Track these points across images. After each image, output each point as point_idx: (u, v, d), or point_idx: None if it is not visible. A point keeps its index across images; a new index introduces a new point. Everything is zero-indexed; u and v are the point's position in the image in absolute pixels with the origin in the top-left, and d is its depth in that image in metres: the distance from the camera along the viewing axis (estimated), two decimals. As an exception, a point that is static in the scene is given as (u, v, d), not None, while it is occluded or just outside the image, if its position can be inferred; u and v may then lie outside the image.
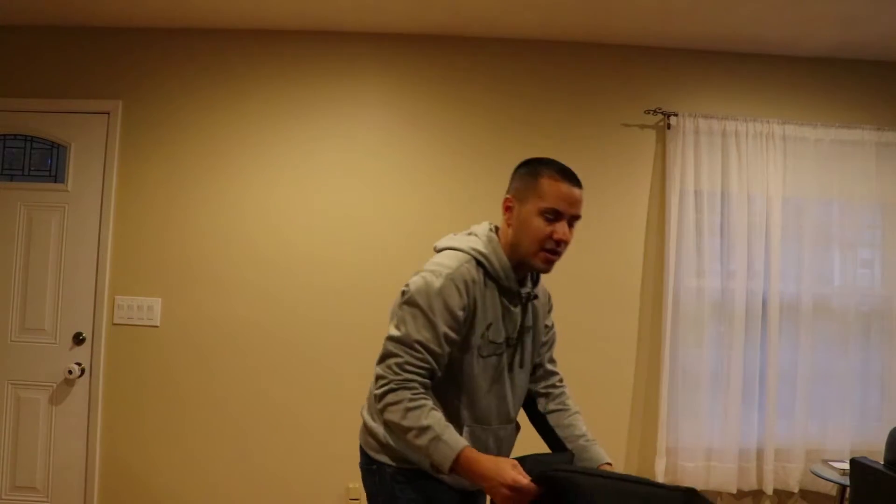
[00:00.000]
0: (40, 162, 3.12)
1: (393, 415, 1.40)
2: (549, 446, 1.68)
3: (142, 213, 3.09)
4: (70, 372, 2.97)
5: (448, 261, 1.50)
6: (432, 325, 1.42)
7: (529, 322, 1.62)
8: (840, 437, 3.06)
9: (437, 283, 1.45)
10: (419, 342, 1.42)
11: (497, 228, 1.60)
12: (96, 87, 3.12)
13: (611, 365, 3.11)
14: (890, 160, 3.16)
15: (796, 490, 3.03)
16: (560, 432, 1.68)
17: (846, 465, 2.77)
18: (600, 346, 3.11)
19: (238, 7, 2.93)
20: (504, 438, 1.61)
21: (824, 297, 3.13)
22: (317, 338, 3.07)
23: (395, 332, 1.45)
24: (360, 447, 1.63)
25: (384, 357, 1.44)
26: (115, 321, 3.06)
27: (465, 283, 1.47)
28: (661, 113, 3.14)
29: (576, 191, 1.51)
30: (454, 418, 1.49)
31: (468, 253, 1.53)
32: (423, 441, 1.37)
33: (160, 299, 3.07)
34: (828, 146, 3.13)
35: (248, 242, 3.09)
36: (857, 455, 2.70)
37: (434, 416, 1.38)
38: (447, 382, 1.50)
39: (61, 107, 3.10)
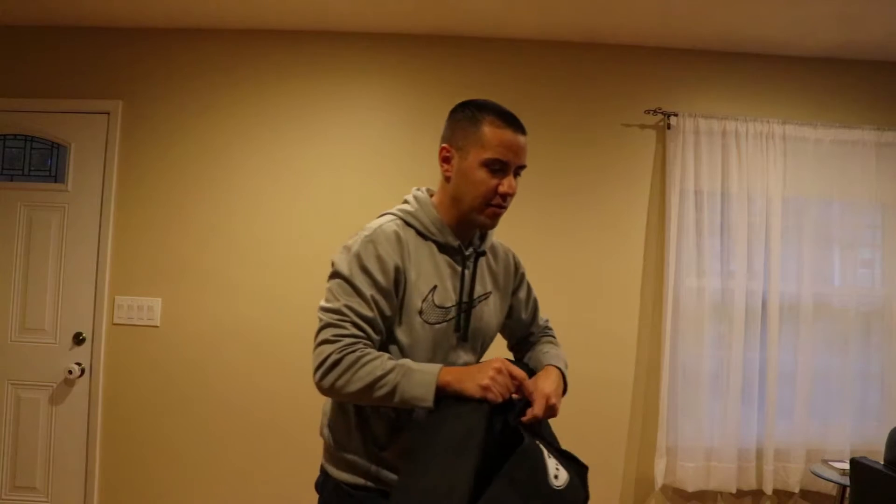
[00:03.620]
0: (40, 162, 3.12)
1: (346, 383, 1.22)
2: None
3: (142, 213, 3.10)
4: (70, 372, 2.97)
5: (369, 225, 1.38)
6: (357, 291, 1.28)
7: (488, 286, 1.47)
8: (840, 437, 3.06)
9: (354, 248, 1.32)
10: (348, 306, 1.27)
11: (430, 191, 1.48)
12: (96, 87, 3.13)
13: (611, 365, 3.11)
14: (890, 160, 3.16)
15: (796, 490, 3.03)
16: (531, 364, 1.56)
17: (846, 465, 2.77)
18: (600, 345, 3.11)
19: (238, 7, 2.93)
20: None
21: (824, 297, 3.13)
22: (317, 338, 3.07)
23: (324, 304, 1.31)
24: None
25: (318, 331, 1.29)
26: (115, 321, 3.06)
27: (388, 241, 1.33)
28: (661, 113, 3.14)
29: (521, 138, 1.37)
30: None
31: (392, 213, 1.42)
32: (390, 386, 1.21)
33: (160, 299, 3.07)
34: (828, 146, 3.13)
35: (249, 242, 3.09)
36: (857, 455, 2.70)
37: (394, 360, 1.24)
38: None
39: (61, 107, 3.10)
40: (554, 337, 1.66)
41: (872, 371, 3.11)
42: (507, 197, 1.36)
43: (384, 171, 3.14)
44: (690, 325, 3.05)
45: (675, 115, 3.10)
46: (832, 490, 3.04)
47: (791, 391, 3.07)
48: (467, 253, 1.42)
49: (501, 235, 3.27)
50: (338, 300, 1.29)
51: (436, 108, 3.16)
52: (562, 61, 3.19)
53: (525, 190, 3.14)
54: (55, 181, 3.11)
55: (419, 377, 1.21)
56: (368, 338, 1.28)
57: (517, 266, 1.59)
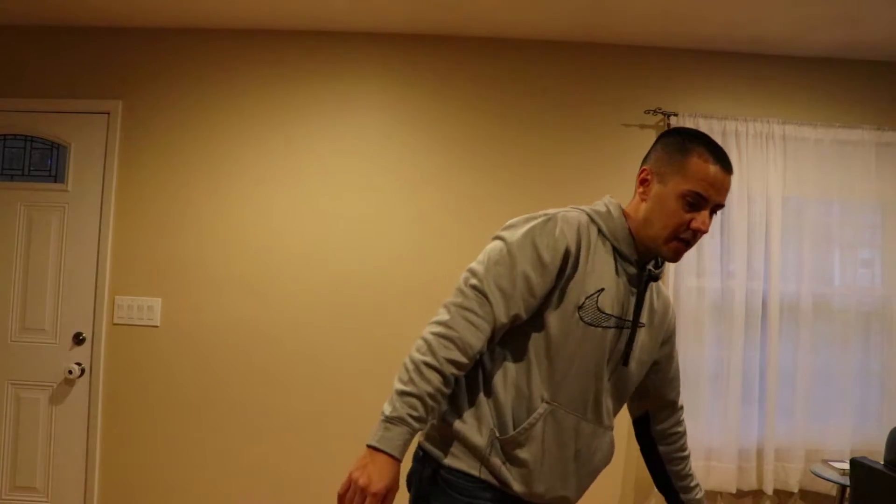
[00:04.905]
0: (40, 162, 3.12)
1: (416, 353, 1.21)
2: (658, 486, 1.58)
3: (142, 213, 3.10)
4: (70, 372, 2.97)
5: (561, 210, 1.34)
6: (511, 262, 1.25)
7: (645, 319, 1.39)
8: (840, 437, 3.06)
9: (532, 221, 1.29)
10: (492, 277, 1.24)
11: (619, 206, 1.41)
12: (96, 87, 3.13)
13: (611, 365, 3.11)
14: (890, 160, 3.16)
15: (796, 490, 3.03)
16: (676, 482, 1.54)
17: (846, 465, 2.77)
18: (600, 346, 3.11)
19: (238, 7, 2.93)
20: (589, 440, 1.34)
21: (824, 297, 3.13)
22: (316, 338, 3.07)
23: (474, 264, 1.28)
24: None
25: (457, 288, 1.26)
26: (115, 321, 3.06)
27: (568, 224, 1.29)
28: (661, 113, 3.14)
29: (727, 177, 1.29)
30: (527, 393, 1.28)
31: (585, 210, 1.36)
32: (392, 409, 1.18)
33: (160, 299, 3.07)
34: (828, 146, 3.13)
35: (249, 242, 3.09)
36: (857, 455, 2.70)
37: (423, 405, 1.18)
38: (529, 344, 1.29)
39: (61, 107, 3.10)
40: (686, 436, 1.58)
41: (872, 371, 3.11)
42: (697, 234, 1.29)
43: (384, 170, 3.14)
44: (690, 325, 3.05)
45: (675, 115, 3.10)
46: (832, 490, 3.04)
47: (791, 391, 3.07)
48: (644, 273, 1.35)
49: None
50: (485, 265, 1.26)
51: (435, 108, 3.16)
52: (562, 61, 3.19)
53: (523, 192, 3.15)
54: (55, 181, 3.11)
55: (383, 431, 1.17)
56: (493, 317, 1.23)
57: (673, 319, 1.50)
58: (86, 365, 3.04)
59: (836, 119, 3.20)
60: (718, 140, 3.10)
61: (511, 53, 3.18)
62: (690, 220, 1.28)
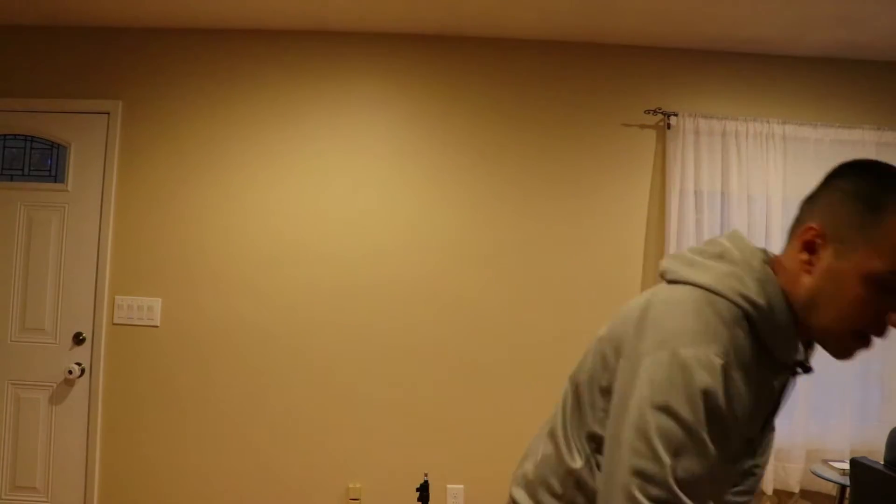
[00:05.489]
0: (40, 162, 3.12)
1: None
2: None
3: (142, 213, 3.10)
4: (70, 372, 2.97)
5: (712, 321, 0.88)
6: (701, 447, 0.84)
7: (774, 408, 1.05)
8: (840, 437, 3.06)
9: (699, 375, 0.85)
10: (680, 473, 0.83)
11: (771, 259, 0.98)
12: (96, 87, 3.13)
13: (611, 365, 3.11)
14: (890, 160, 3.14)
15: (796, 490, 3.03)
16: None
17: (846, 465, 2.77)
18: (600, 346, 3.11)
19: (238, 7, 2.93)
20: None
21: (824, 297, 3.13)
22: (316, 338, 3.07)
23: (636, 461, 0.84)
24: None
25: (632, 497, 0.84)
26: (115, 321, 3.06)
27: (741, 356, 0.89)
28: (661, 113, 3.14)
29: None
30: None
31: (735, 302, 0.91)
32: None
33: (160, 299, 3.07)
34: (828, 146, 3.13)
35: (249, 242, 3.09)
36: (857, 455, 2.70)
37: None
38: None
39: (61, 107, 3.10)
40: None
41: (872, 371, 3.12)
42: (886, 332, 0.88)
43: (384, 169, 3.14)
44: (690, 325, 3.05)
45: (675, 115, 3.10)
46: (832, 490, 3.04)
47: (791, 391, 3.07)
48: (796, 367, 1.01)
49: (502, 235, 3.23)
50: (656, 459, 0.83)
51: (435, 107, 3.16)
52: (562, 61, 3.19)
53: (523, 192, 3.14)
54: (55, 181, 3.11)
55: None
56: None
57: None
58: (86, 365, 3.04)
59: (836, 119, 3.20)
60: (718, 140, 3.10)
61: (510, 53, 3.18)
62: (883, 315, 0.86)
